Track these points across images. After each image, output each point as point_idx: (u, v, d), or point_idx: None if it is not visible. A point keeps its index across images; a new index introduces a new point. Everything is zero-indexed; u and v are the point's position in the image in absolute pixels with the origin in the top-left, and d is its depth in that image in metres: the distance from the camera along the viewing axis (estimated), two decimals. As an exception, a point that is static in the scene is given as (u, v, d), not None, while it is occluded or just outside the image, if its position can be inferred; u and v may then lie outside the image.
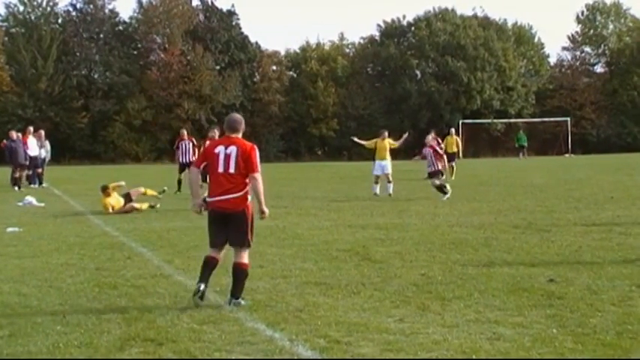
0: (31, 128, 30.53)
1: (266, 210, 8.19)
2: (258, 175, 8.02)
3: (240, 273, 7.98)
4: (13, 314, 7.61)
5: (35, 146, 29.21)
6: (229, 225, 8.00)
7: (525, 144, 57.16)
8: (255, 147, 8.18)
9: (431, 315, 7.37)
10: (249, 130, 67.29)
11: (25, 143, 28.76)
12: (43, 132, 31.44)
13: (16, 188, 26.49)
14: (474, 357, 6.01)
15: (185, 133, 25.63)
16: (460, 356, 6.04)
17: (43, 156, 30.32)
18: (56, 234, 14.08)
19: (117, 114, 64.38)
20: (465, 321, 7.10)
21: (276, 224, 15.26)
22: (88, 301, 8.17)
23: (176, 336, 6.69)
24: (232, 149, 8.01)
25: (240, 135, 8.25)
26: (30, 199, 21.15)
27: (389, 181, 22.51)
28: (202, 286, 7.86)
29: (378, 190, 22.16)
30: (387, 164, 22.97)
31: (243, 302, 7.92)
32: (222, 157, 8.00)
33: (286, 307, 7.77)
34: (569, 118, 67.60)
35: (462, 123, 65.08)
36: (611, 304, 7.69)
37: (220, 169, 8.00)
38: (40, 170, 29.40)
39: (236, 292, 7.95)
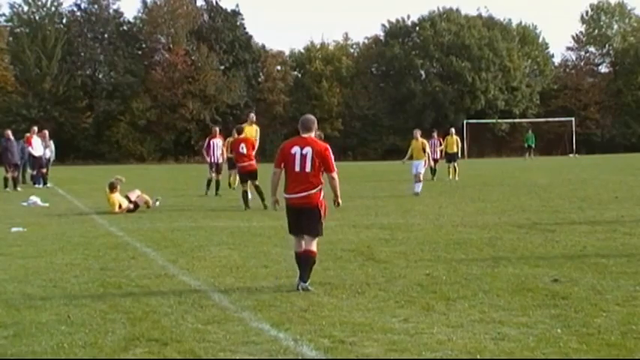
0: (36, 128, 30.55)
1: (340, 201, 9.23)
2: (335, 175, 8.93)
3: (308, 259, 8.71)
4: (17, 314, 7.62)
5: (39, 146, 29.26)
6: (303, 217, 8.77)
7: (533, 144, 56.80)
8: (329, 147, 8.96)
9: (435, 315, 7.36)
10: (254, 130, 67.71)
11: (29, 143, 28.81)
12: (47, 132, 31.46)
13: (8, 189, 26.23)
14: (478, 357, 6.00)
15: (218, 130, 24.59)
16: (465, 356, 6.03)
17: (47, 156, 30.37)
18: (60, 234, 14.10)
19: (121, 114, 64.50)
20: (469, 321, 7.09)
21: (280, 224, 15.22)
22: (92, 301, 8.18)
23: (180, 336, 6.69)
24: (308, 150, 8.73)
25: (313, 134, 8.96)
26: (34, 199, 21.18)
27: (418, 180, 22.48)
28: (299, 282, 8.60)
29: (419, 189, 22.08)
30: (419, 164, 22.97)
31: (311, 288, 8.53)
32: (298, 157, 8.72)
33: (291, 307, 7.77)
34: (573, 118, 67.55)
35: (467, 123, 65.09)
36: (616, 304, 7.68)
37: (297, 169, 8.72)
38: (44, 170, 29.43)
39: (304, 276, 8.62)
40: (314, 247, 8.77)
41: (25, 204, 20.70)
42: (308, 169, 8.68)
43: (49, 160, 30.81)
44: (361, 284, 8.83)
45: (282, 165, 8.88)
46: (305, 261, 8.68)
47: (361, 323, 7.03)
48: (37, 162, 28.99)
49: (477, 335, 6.58)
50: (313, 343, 6.42)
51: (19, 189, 26.38)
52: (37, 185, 28.54)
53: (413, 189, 22.45)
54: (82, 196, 23.84)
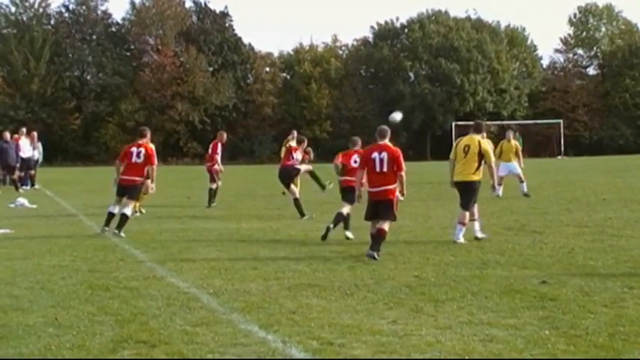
0: (24, 130, 30.43)
1: (406, 192, 11.58)
2: (403, 173, 11.16)
3: (380, 235, 10.87)
4: (4, 316, 7.58)
5: (28, 148, 29.12)
6: (380, 207, 11.07)
7: (521, 147, 57.54)
8: (399, 151, 11.14)
9: (424, 317, 7.37)
10: (242, 131, 67.67)
11: (17, 145, 28.66)
12: (35, 134, 31.33)
13: None
14: (467, 358, 6.01)
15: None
16: (453, 358, 6.04)
17: (36, 157, 30.23)
18: (48, 236, 14.04)
19: (110, 115, 64.30)
20: (458, 323, 7.11)
21: (269, 226, 15.26)
22: (80, 303, 8.14)
23: (169, 338, 6.67)
24: (384, 155, 11.01)
25: (387, 140, 11.19)
26: (22, 200, 21.09)
27: (521, 181, 22.37)
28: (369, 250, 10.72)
29: (500, 192, 21.65)
30: (513, 166, 22.84)
31: (377, 257, 10.54)
32: (377, 161, 11.02)
33: (279, 308, 7.76)
34: (561, 121, 67.80)
35: (455, 125, 65.23)
36: (604, 305, 7.71)
37: (377, 170, 11.04)
38: (32, 172, 29.29)
39: (375, 247, 10.70)
40: (386, 227, 10.94)
41: (12, 205, 20.60)
42: (385, 169, 10.97)
43: (37, 161, 30.67)
44: (350, 286, 8.83)
45: (365, 167, 11.26)
46: (377, 236, 10.79)
47: (350, 325, 7.03)
48: (25, 164, 28.84)
49: (465, 337, 6.59)
50: (302, 345, 6.41)
51: (21, 190, 26.20)
52: (24, 187, 28.38)
53: (496, 191, 21.68)
54: (70, 198, 23.76)
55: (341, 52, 76.29)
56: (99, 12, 68.72)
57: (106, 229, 14.08)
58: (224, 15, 71.07)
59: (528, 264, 10.19)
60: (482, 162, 12.80)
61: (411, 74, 71.59)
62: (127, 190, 14.21)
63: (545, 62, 79.35)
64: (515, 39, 75.88)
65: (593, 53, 77.27)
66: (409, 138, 70.99)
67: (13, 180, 27.02)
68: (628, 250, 11.34)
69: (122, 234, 13.65)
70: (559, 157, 62.52)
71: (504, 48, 73.09)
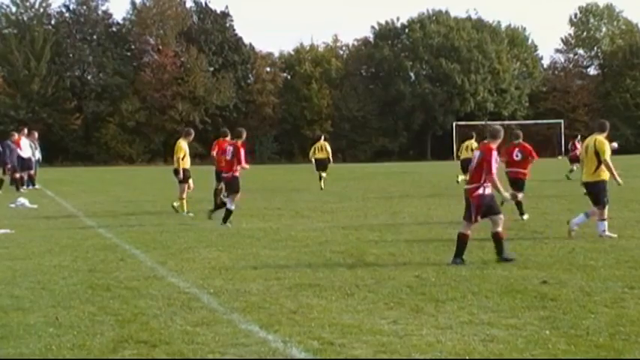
0: (26, 130, 30.42)
1: (506, 195, 11.37)
2: (491, 176, 10.38)
3: (494, 240, 10.53)
4: (5, 316, 7.58)
5: (28, 148, 29.10)
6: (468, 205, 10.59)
7: None
8: (491, 151, 10.48)
9: (424, 317, 7.37)
10: (243, 131, 67.67)
11: (17, 145, 28.64)
12: (36, 133, 31.33)
13: (23, 189, 26.26)
14: (467, 358, 6.01)
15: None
16: (454, 358, 6.04)
17: (37, 157, 30.22)
18: (49, 236, 14.04)
19: (110, 115, 64.33)
20: (458, 323, 7.10)
21: (269, 226, 15.25)
22: (80, 302, 8.14)
23: (169, 338, 6.67)
24: (478, 153, 10.66)
25: (496, 141, 10.76)
26: (22, 200, 21.08)
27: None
28: (458, 260, 10.23)
29: None
30: None
31: (510, 257, 10.32)
32: (475, 159, 10.64)
33: (280, 308, 7.76)
34: (562, 121, 67.80)
35: (456, 125, 65.27)
36: (604, 305, 7.71)
37: (472, 167, 10.67)
38: (32, 172, 29.28)
39: (498, 251, 10.43)
40: (498, 228, 10.44)
41: (12, 206, 20.59)
42: (475, 168, 10.55)
43: (37, 161, 30.66)
44: (350, 286, 8.83)
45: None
46: (494, 240, 10.49)
47: (350, 325, 7.03)
48: (25, 164, 28.82)
49: (465, 337, 6.59)
50: (302, 345, 6.41)
51: (22, 190, 26.21)
52: (24, 187, 28.36)
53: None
54: (70, 198, 23.76)
55: (341, 52, 76.34)
56: (99, 12, 68.79)
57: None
58: (225, 15, 71.11)
59: (529, 264, 10.19)
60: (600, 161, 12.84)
61: (412, 74, 71.62)
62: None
63: (545, 62, 79.55)
64: (516, 39, 75.91)
65: (593, 53, 77.31)
66: (410, 138, 71.07)
67: (15, 179, 27.04)
68: (628, 250, 11.34)
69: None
70: (559, 157, 62.46)
71: (505, 48, 73.12)
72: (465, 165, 25.60)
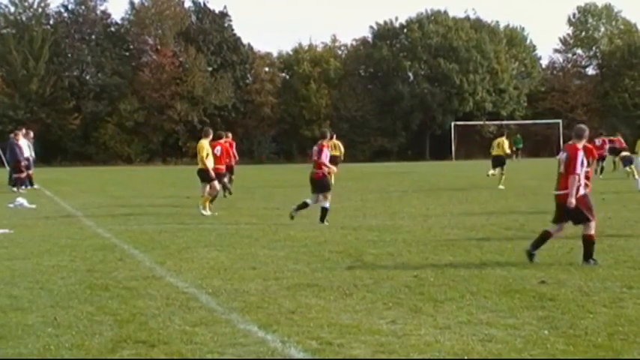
0: (24, 130, 30.41)
1: (572, 200, 10.21)
2: (571, 176, 10.14)
3: (584, 242, 10.25)
4: (3, 316, 7.58)
5: (26, 148, 29.09)
6: (564, 211, 10.32)
7: (521, 146, 59.94)
8: (577, 151, 10.23)
9: (423, 317, 7.37)
10: (241, 131, 67.58)
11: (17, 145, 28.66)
12: (32, 132, 31.37)
13: (22, 189, 26.31)
14: (466, 358, 6.01)
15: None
16: (452, 357, 6.05)
17: (33, 157, 30.20)
18: (47, 236, 14.04)
19: (109, 115, 64.27)
20: (457, 322, 7.11)
21: (268, 226, 15.26)
22: (79, 302, 8.14)
23: (168, 338, 6.67)
24: (563, 155, 10.48)
25: (581, 141, 10.48)
26: (21, 200, 21.07)
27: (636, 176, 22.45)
28: (531, 249, 10.37)
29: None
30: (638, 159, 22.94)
31: (592, 263, 10.01)
32: (562, 160, 10.41)
33: (278, 308, 7.77)
34: (560, 121, 67.80)
35: (455, 125, 65.27)
36: (603, 305, 7.72)
37: (561, 170, 10.42)
38: (30, 172, 29.25)
39: (585, 255, 10.16)
40: (590, 231, 10.21)
41: (11, 205, 20.58)
42: (562, 170, 10.35)
43: (34, 160, 30.63)
44: (349, 286, 8.83)
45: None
46: (584, 243, 10.22)
47: (349, 325, 7.03)
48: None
49: (464, 337, 6.60)
50: (301, 345, 6.42)
51: (21, 190, 26.16)
52: (23, 187, 28.34)
53: (637, 184, 22.22)
54: (69, 198, 23.75)
55: (340, 52, 76.23)
56: (98, 12, 68.66)
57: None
58: (223, 15, 71.01)
59: (527, 264, 10.20)
60: None
61: (410, 74, 71.55)
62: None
63: (544, 62, 79.42)
64: (515, 39, 75.87)
65: (592, 53, 77.29)
66: (408, 138, 71.02)
67: (19, 179, 27.03)
68: (627, 250, 11.35)
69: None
70: (558, 157, 62.61)
71: (503, 48, 73.08)
72: (496, 161, 25.81)
